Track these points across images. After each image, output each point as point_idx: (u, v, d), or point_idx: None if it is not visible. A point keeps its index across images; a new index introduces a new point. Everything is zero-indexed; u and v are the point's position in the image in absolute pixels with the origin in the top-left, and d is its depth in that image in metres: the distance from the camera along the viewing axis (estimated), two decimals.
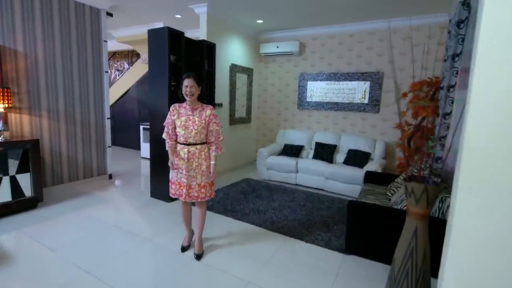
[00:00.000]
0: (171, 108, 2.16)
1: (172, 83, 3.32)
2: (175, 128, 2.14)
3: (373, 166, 3.70)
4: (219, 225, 2.81)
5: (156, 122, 3.38)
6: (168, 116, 2.16)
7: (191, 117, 2.09)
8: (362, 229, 2.29)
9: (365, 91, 4.49)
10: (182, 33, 3.35)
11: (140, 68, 6.53)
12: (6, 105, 2.83)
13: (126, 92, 6.99)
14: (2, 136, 2.79)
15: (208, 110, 2.13)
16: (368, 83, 4.45)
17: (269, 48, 5.07)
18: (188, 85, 2.03)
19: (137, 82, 6.71)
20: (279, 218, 3.02)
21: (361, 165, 4.01)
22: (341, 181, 3.89)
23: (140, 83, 6.63)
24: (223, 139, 2.20)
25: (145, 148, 5.82)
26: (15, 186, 2.83)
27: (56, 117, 3.49)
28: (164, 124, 2.18)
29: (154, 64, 3.31)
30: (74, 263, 2.05)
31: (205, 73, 3.80)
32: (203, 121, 2.10)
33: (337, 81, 4.69)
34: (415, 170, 1.76)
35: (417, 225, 1.61)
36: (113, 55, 7.31)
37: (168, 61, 3.19)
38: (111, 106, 7.14)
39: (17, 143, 2.81)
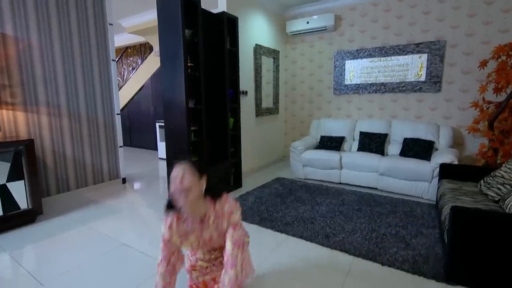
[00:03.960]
0: (164, 227, 1.21)
1: (189, 64, 2.70)
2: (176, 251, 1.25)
3: (445, 157, 2.89)
4: (257, 240, 2.15)
5: (171, 113, 2.77)
6: (162, 237, 1.23)
7: (203, 234, 1.23)
8: (477, 248, 1.53)
9: (421, 66, 3.66)
10: (199, 1, 2.71)
11: (154, 62, 6.02)
12: None
13: (140, 89, 6.52)
14: None
15: (226, 206, 1.23)
16: (425, 56, 3.62)
17: (298, 25, 4.34)
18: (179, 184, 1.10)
19: (151, 78, 6.21)
20: (333, 229, 2.31)
21: (425, 156, 3.20)
22: (401, 178, 3.11)
23: (154, 78, 6.13)
24: (247, 265, 1.25)
25: (162, 148, 5.29)
26: (7, 197, 2.32)
27: (58, 113, 2.98)
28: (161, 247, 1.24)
29: (165, 41, 2.70)
30: None
31: (227, 53, 3.15)
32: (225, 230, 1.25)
33: (384, 56, 3.89)
34: None
35: None
36: (125, 50, 6.88)
37: (183, 37, 2.57)
38: (126, 106, 6.74)
39: (6, 144, 2.30)
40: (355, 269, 1.77)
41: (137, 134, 6.79)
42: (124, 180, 3.71)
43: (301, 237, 2.19)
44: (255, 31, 3.98)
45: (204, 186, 1.16)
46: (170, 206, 1.18)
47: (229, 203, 1.24)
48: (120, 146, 3.63)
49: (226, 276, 1.14)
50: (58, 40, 2.93)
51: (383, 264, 1.82)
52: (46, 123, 2.88)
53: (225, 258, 1.18)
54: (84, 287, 1.62)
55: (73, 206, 2.87)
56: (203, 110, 2.82)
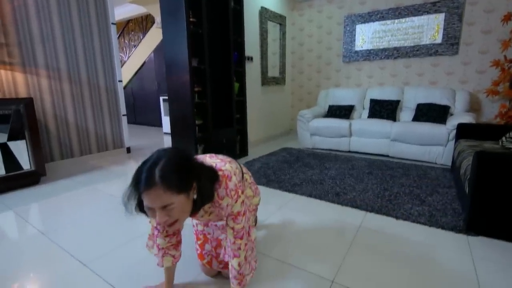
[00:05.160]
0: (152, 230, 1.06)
1: (191, 20, 2.55)
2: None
3: (462, 118, 2.74)
4: (264, 198, 2.08)
5: (173, 72, 2.66)
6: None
7: (198, 217, 1.00)
8: (501, 197, 1.43)
9: (437, 27, 3.43)
10: None
11: (156, 35, 5.84)
12: None
13: (143, 65, 6.38)
14: None
15: (224, 199, 0.92)
16: (442, 16, 3.38)
17: None
18: (154, 206, 0.78)
19: (154, 52, 6.05)
20: (343, 188, 2.22)
21: (440, 121, 3.05)
22: (414, 143, 2.98)
23: (157, 52, 5.97)
24: (253, 261, 1.06)
25: (167, 122, 5.22)
26: (8, 157, 2.27)
27: (58, 76, 2.88)
28: (151, 222, 1.07)
29: None
30: (68, 251, 1.42)
31: (232, 11, 2.98)
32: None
33: (397, 18, 3.66)
34: None
35: None
36: (126, 25, 6.68)
37: None
38: (129, 82, 6.63)
39: (5, 101, 2.22)
40: (368, 222, 1.69)
41: (142, 112, 6.72)
42: (128, 150, 3.66)
43: (310, 195, 2.11)
44: None
45: (194, 196, 0.85)
46: (142, 207, 0.85)
47: (229, 194, 0.92)
48: (124, 115, 3.55)
49: (230, 265, 1.01)
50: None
51: (397, 218, 1.73)
52: (46, 85, 2.80)
53: (227, 250, 1.01)
54: (87, 237, 1.57)
55: (78, 171, 2.83)
56: (207, 70, 2.69)
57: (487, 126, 2.40)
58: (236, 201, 0.94)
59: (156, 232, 1.03)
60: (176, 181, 0.77)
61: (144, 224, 1.71)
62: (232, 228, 0.96)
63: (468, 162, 1.73)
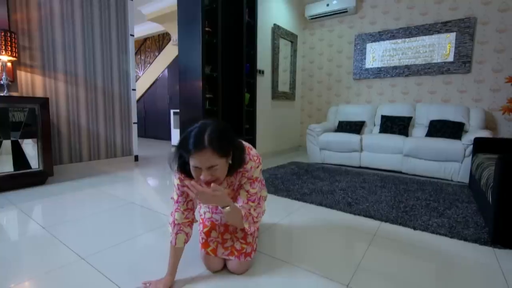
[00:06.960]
0: (177, 185, 1.04)
1: (207, 29, 2.64)
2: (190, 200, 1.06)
3: (478, 133, 2.65)
4: (272, 205, 2.00)
5: (186, 78, 2.71)
6: (175, 192, 1.06)
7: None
8: None
9: (449, 46, 3.45)
10: None
11: (171, 52, 6.08)
12: (11, 57, 2.32)
13: (156, 80, 6.58)
14: (5, 91, 2.29)
15: (248, 164, 1.04)
16: (453, 35, 3.41)
17: (317, 8, 4.25)
18: (202, 166, 0.88)
19: (168, 67, 6.26)
20: (355, 199, 2.13)
21: (454, 137, 2.97)
22: (428, 158, 2.88)
23: (171, 67, 6.17)
24: (258, 219, 1.10)
25: (176, 135, 5.26)
26: (18, 155, 2.28)
27: (75, 81, 2.97)
28: (173, 198, 1.07)
29: (184, 5, 2.66)
30: (67, 244, 1.36)
31: (246, 25, 3.07)
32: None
33: (408, 37, 3.71)
34: None
35: None
36: (144, 42, 7.00)
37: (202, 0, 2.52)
38: (142, 96, 6.82)
39: (21, 99, 2.28)
40: (383, 232, 1.58)
41: (152, 126, 6.83)
42: (136, 158, 3.65)
43: (320, 204, 2.02)
44: (275, 12, 3.92)
45: (227, 168, 0.96)
46: (183, 168, 0.96)
47: (252, 158, 1.05)
48: (134, 123, 3.59)
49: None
50: (79, 7, 2.95)
51: (415, 228, 1.62)
52: (63, 90, 2.88)
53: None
54: (88, 233, 1.51)
55: (84, 174, 2.82)
56: (219, 78, 2.73)
57: (505, 141, 2.31)
58: (257, 167, 1.06)
59: (175, 207, 1.04)
60: (220, 147, 0.88)
61: (144, 225, 1.65)
62: (247, 191, 1.06)
63: (489, 172, 1.64)
